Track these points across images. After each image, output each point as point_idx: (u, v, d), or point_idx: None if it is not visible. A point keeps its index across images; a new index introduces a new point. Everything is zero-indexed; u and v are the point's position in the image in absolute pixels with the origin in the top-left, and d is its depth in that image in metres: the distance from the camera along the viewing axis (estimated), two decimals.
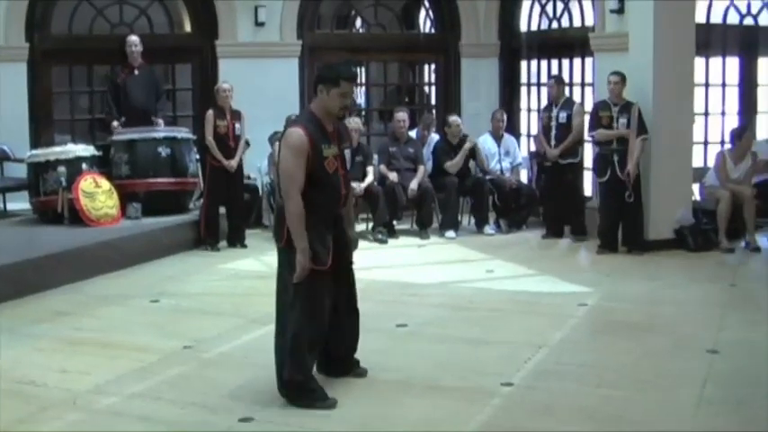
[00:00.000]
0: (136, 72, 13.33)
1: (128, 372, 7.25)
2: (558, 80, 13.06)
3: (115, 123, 13.04)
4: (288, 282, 6.46)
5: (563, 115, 12.73)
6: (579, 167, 12.92)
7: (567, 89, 13.20)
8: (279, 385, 6.52)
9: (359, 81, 18.62)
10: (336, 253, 6.56)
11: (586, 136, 12.60)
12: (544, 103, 14.37)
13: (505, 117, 13.99)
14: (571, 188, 12.87)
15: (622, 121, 11.67)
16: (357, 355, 7.08)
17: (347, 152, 6.83)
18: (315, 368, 6.73)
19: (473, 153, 13.48)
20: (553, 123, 12.79)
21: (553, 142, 12.75)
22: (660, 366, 7.35)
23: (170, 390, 6.85)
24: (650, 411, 6.31)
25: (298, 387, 6.43)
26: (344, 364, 7.02)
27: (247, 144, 12.59)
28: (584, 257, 11.95)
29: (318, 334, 6.56)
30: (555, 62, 14.48)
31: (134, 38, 13.39)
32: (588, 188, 13.24)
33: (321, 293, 6.50)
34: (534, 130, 14.62)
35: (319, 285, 6.45)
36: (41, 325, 8.76)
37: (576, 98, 13.43)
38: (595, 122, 11.92)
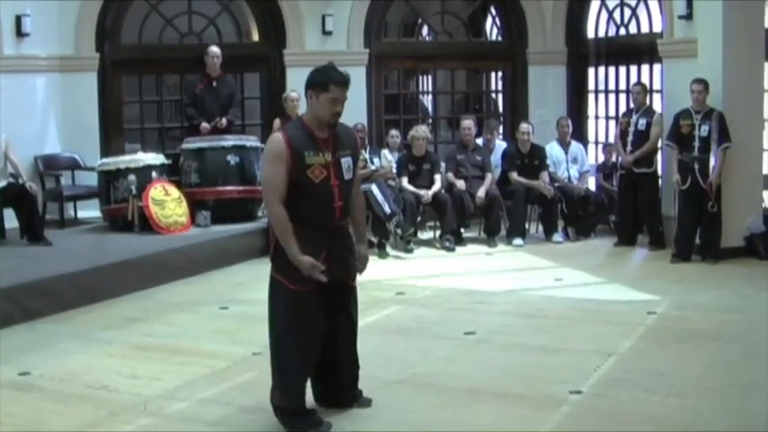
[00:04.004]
0: (214, 83, 13.40)
1: (198, 378, 7.32)
2: (643, 86, 12.96)
3: (205, 124, 13.10)
4: (274, 303, 6.15)
5: (642, 122, 12.58)
6: (654, 177, 12.74)
7: (648, 97, 13.04)
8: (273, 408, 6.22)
9: (425, 89, 18.72)
10: (333, 273, 6.10)
11: (659, 144, 12.55)
12: (613, 109, 14.32)
13: (570, 124, 13.95)
14: (648, 199, 12.67)
15: (704, 128, 11.54)
16: (428, 364, 6.91)
17: (345, 159, 6.15)
18: (314, 399, 6.43)
19: (542, 165, 13.44)
20: (631, 129, 12.63)
21: (629, 148, 12.60)
22: (730, 375, 7.27)
23: (240, 396, 6.89)
24: (720, 421, 6.25)
25: (289, 413, 6.12)
26: (347, 394, 6.57)
27: None
28: (646, 262, 11.87)
29: (307, 359, 6.15)
30: (623, 69, 14.39)
31: (215, 49, 13.44)
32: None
33: (309, 317, 6.07)
34: (602, 138, 14.58)
35: (307, 308, 6.03)
36: (112, 331, 8.87)
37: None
38: (675, 131, 11.82)
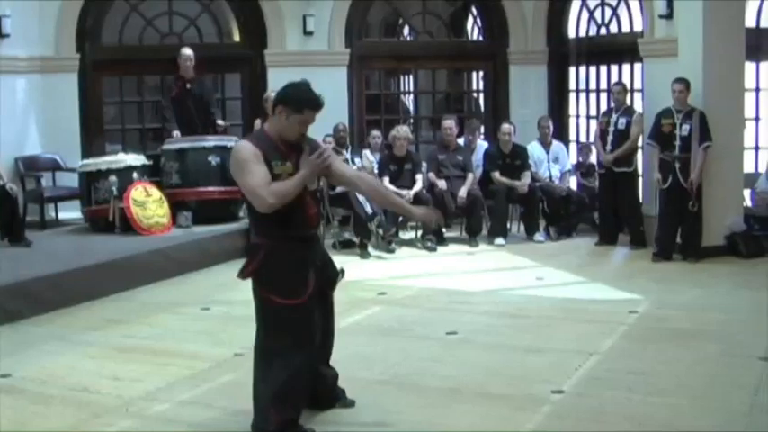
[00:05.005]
0: (188, 86, 13.33)
1: (179, 379, 7.31)
2: (623, 86, 12.98)
3: (175, 133, 13.09)
4: (265, 320, 5.92)
5: (622, 121, 12.61)
6: (634, 177, 12.80)
7: (629, 96, 13.08)
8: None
9: (407, 89, 18.74)
10: (316, 279, 5.96)
11: (639, 143, 12.58)
12: (594, 109, 14.34)
13: (551, 123, 13.97)
14: (627, 198, 12.73)
15: (685, 127, 11.55)
16: (410, 365, 6.87)
17: None
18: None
19: (524, 165, 13.43)
20: (611, 129, 12.66)
21: (609, 147, 12.64)
22: (711, 374, 7.29)
23: (221, 397, 6.88)
24: (701, 419, 6.26)
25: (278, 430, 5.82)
26: (330, 393, 6.47)
27: None
28: (625, 261, 11.89)
29: (310, 371, 6.00)
30: (604, 68, 14.40)
31: (188, 51, 13.33)
32: (640, 195, 13.08)
33: (305, 326, 5.89)
34: (583, 137, 14.60)
35: (301, 318, 5.85)
36: (93, 332, 8.84)
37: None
38: (656, 130, 11.83)
